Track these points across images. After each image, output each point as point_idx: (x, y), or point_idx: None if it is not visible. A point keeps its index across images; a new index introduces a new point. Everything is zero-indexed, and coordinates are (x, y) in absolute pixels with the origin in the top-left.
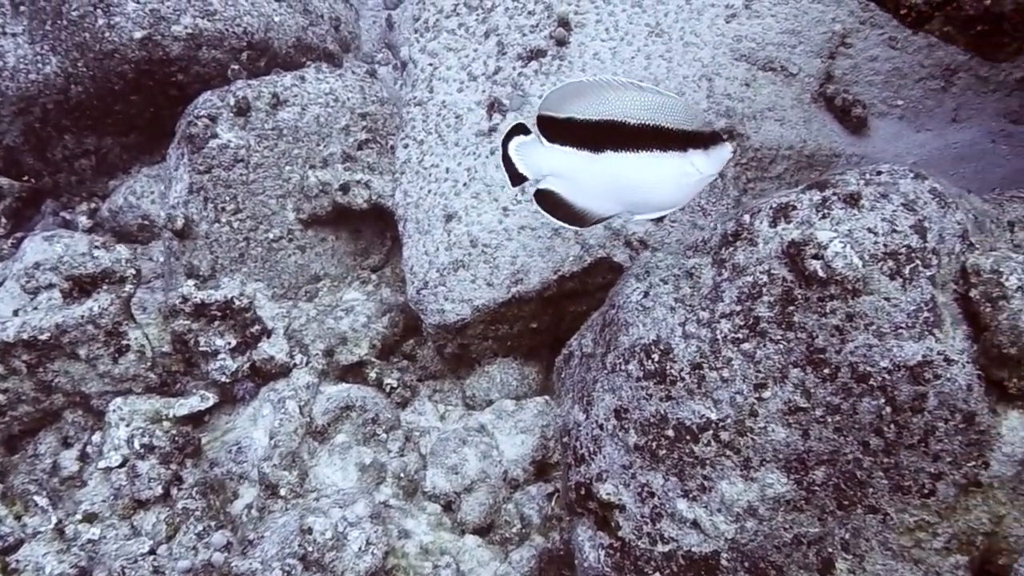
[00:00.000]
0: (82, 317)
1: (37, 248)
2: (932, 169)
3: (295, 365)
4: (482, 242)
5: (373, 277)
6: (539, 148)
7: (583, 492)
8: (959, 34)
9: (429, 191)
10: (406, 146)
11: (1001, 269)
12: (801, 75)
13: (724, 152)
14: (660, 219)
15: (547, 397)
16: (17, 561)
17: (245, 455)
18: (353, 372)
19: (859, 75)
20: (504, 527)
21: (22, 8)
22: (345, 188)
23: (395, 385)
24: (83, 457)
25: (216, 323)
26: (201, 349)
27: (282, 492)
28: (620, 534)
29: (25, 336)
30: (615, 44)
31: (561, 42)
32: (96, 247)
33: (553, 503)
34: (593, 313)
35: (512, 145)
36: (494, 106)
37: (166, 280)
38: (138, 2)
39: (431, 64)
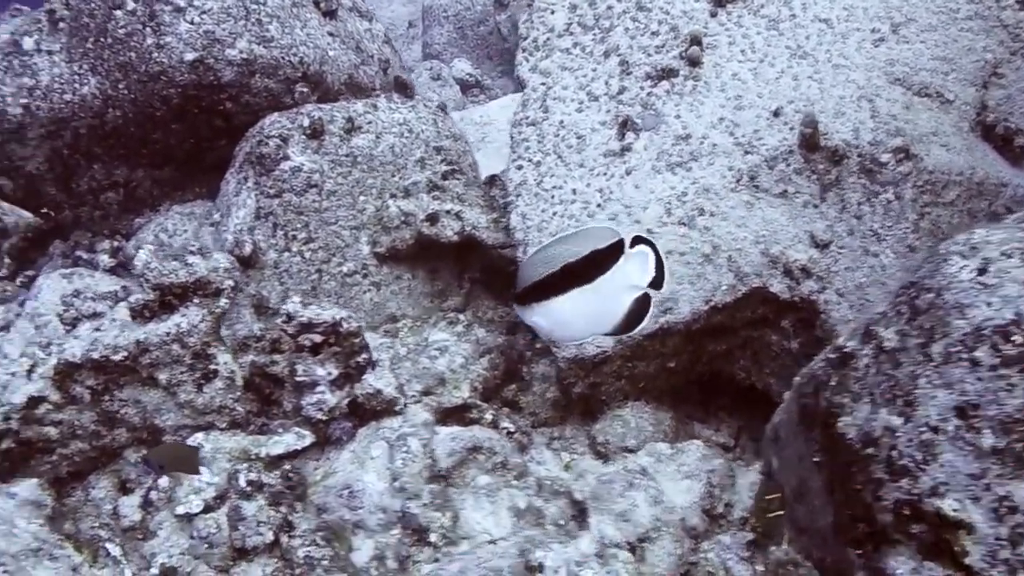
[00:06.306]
0: (167, 334)
1: (55, 286)
2: None
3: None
4: None
5: (461, 317)
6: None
7: (906, 512)
8: None
9: (554, 213)
10: (520, 167)
11: None
12: (957, 102)
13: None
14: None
15: (700, 442)
16: None
17: (359, 500)
18: (455, 416)
19: (1013, 106)
20: None
21: (61, 25)
22: (433, 218)
23: (512, 430)
24: (146, 504)
25: (305, 353)
26: (298, 379)
27: (432, 538)
28: (967, 562)
29: (96, 355)
30: (755, 65)
31: (694, 62)
32: (191, 252)
33: (786, 545)
34: (770, 340)
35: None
36: (627, 124)
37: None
38: (192, 22)
39: (543, 84)
